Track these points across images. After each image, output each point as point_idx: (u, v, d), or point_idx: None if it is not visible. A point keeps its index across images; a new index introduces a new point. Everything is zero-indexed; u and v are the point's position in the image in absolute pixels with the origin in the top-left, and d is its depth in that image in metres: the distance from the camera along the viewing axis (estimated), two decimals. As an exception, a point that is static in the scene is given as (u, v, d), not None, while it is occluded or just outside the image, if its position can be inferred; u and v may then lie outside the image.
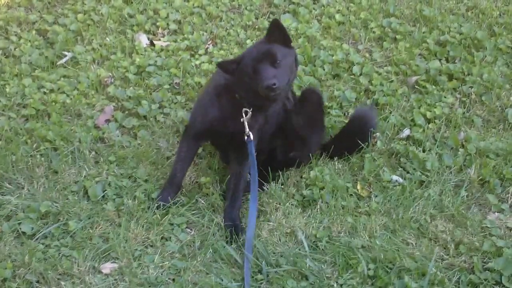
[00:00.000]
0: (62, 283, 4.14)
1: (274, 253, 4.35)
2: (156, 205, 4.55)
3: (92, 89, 5.38)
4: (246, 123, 4.44)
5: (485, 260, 4.36)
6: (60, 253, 4.29)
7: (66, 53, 5.70)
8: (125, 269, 4.20)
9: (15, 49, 5.72)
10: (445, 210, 4.66)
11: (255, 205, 4.43)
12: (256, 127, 4.53)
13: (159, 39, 5.88)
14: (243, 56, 4.38)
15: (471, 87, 5.52)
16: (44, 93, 5.32)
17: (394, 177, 4.89)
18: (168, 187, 4.64)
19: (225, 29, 6.03)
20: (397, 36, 5.97)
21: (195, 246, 4.38)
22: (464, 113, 5.36)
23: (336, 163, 4.93)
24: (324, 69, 5.62)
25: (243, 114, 4.44)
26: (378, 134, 5.16)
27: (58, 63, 5.63)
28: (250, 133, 4.46)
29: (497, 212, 4.73)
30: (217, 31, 5.98)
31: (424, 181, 4.85)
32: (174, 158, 4.68)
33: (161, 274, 4.22)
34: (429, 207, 4.65)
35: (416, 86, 5.54)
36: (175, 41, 5.87)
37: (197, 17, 6.08)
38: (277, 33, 4.37)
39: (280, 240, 4.45)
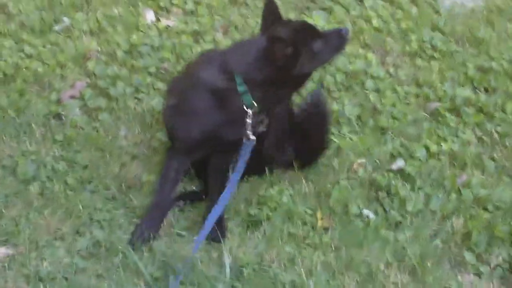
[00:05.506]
0: None
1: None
2: (140, 236, 4.21)
3: (71, 61, 5.31)
4: (249, 125, 4.24)
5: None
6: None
7: (65, 19, 5.66)
8: (18, 257, 4.10)
9: (13, 7, 5.70)
10: (406, 260, 4.28)
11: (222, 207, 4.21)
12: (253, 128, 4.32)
13: (170, 18, 5.75)
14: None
15: (499, 125, 5.08)
16: (21, 58, 5.30)
17: (365, 211, 4.53)
18: (154, 213, 4.29)
19: (245, 17, 5.80)
20: (435, 54, 5.58)
21: (107, 247, 4.22)
22: (479, 154, 4.92)
23: (305, 186, 4.64)
24: (335, 78, 5.31)
25: (248, 115, 4.22)
26: (364, 160, 4.82)
27: (55, 28, 5.60)
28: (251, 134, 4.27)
29: (473, 274, 4.30)
30: (234, 18, 5.77)
31: (401, 223, 4.49)
32: (160, 179, 4.34)
33: (58, 271, 4.07)
34: (387, 252, 4.29)
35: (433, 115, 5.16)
36: (186, 22, 5.71)
37: (218, -1, 5.90)
38: None
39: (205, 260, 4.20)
